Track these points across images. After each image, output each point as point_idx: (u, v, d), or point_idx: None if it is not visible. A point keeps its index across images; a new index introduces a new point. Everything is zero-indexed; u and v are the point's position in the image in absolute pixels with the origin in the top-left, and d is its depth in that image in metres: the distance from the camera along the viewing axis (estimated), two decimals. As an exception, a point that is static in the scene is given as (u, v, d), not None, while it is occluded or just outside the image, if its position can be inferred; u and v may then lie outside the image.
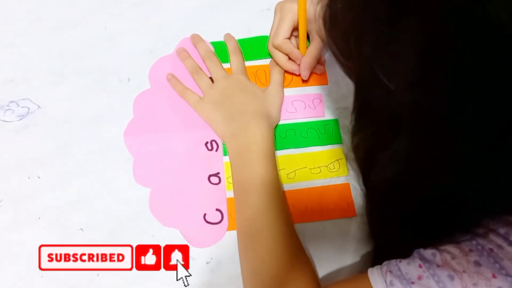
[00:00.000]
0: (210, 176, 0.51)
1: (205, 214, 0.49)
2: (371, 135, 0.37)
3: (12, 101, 0.55)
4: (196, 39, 0.58)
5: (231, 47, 0.57)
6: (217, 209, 0.50)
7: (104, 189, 0.51)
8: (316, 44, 0.53)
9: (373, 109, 0.34)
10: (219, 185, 0.51)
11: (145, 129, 0.53)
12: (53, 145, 0.53)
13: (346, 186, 0.50)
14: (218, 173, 0.51)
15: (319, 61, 0.55)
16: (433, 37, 0.24)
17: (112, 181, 0.51)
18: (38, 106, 0.55)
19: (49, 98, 0.55)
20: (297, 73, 0.55)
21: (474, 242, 0.31)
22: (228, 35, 0.59)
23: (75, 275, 0.47)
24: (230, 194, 0.50)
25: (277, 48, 0.54)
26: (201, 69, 0.56)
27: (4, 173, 0.51)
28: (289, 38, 0.54)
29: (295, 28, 0.54)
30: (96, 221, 0.49)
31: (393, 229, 0.40)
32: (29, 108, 0.54)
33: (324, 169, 0.51)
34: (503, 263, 0.29)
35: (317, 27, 0.53)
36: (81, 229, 0.49)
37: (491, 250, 0.30)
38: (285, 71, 0.56)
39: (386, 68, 0.28)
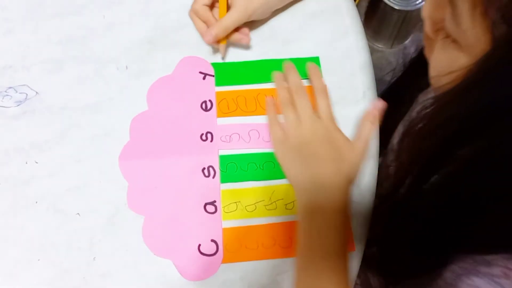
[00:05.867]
0: (206, 204, 0.50)
1: (199, 245, 0.48)
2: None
3: (10, 87, 0.55)
4: (289, 69, 0.54)
5: (319, 87, 0.52)
6: (212, 240, 0.48)
7: (101, 175, 0.51)
8: (232, 14, 0.52)
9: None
10: (215, 214, 0.49)
11: (141, 153, 0.52)
12: (51, 131, 0.53)
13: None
14: (215, 201, 0.50)
15: (238, 30, 0.55)
16: None
17: (109, 167, 0.51)
18: (36, 93, 0.55)
19: (47, 84, 0.55)
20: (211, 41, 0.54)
21: (493, 284, 0.30)
22: (314, 70, 0.54)
23: (71, 259, 0.48)
24: (226, 224, 0.49)
25: (195, 12, 0.53)
26: (291, 105, 0.51)
27: (2, 158, 0.52)
28: (210, 7, 0.53)
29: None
30: (93, 206, 0.50)
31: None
32: (27, 94, 0.55)
33: None
34: None
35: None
36: (78, 214, 0.50)
37: None
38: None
39: None
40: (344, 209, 0.46)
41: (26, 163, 0.52)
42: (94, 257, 0.48)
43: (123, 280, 0.47)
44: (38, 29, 0.59)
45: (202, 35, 0.54)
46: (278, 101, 0.53)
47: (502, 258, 0.31)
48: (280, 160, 0.50)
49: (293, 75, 0.53)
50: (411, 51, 0.79)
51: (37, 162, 0.52)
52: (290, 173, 0.49)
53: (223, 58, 0.57)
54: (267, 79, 0.56)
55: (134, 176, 0.51)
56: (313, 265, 0.44)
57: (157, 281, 0.47)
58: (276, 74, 0.55)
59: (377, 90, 0.56)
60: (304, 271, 0.44)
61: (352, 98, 0.55)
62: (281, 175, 0.51)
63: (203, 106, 0.55)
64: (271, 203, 0.50)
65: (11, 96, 0.54)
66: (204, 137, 0.53)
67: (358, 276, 0.47)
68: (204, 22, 0.54)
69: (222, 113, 0.54)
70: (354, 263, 0.48)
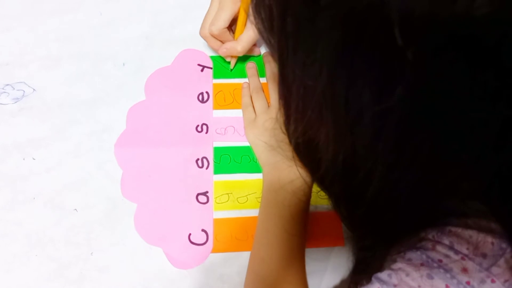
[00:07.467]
0: (198, 194, 0.50)
1: (190, 234, 0.48)
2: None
3: (7, 84, 0.55)
4: (267, 59, 0.57)
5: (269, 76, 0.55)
6: (202, 230, 0.49)
7: (98, 170, 0.51)
8: (248, 34, 0.52)
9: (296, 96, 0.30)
10: (206, 204, 0.50)
11: (137, 142, 0.52)
12: (48, 128, 0.53)
13: (335, 214, 0.48)
14: (207, 192, 0.50)
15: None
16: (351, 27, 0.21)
17: (106, 163, 0.51)
18: (34, 89, 0.55)
19: (44, 81, 0.56)
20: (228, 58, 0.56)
21: (424, 256, 0.32)
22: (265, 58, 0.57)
23: (69, 254, 0.48)
24: (217, 215, 0.49)
25: (215, 37, 0.53)
26: (262, 91, 0.55)
27: (0, 154, 0.52)
28: (227, 28, 0.53)
29: (234, 20, 0.53)
30: (90, 202, 0.50)
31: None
32: (24, 91, 0.55)
33: (314, 195, 0.49)
34: (453, 272, 0.30)
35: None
36: (76, 209, 0.50)
37: (440, 261, 0.31)
38: None
39: (306, 46, 0.24)
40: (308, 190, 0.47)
41: (24, 159, 0.52)
42: (92, 252, 0.48)
43: (120, 275, 0.47)
44: (35, 26, 0.59)
45: (216, 50, 0.54)
46: (250, 88, 0.55)
47: (432, 231, 0.33)
48: (249, 142, 0.52)
49: (271, 65, 0.55)
50: None
51: (34, 159, 0.52)
52: (259, 155, 0.51)
53: (231, 69, 0.57)
54: (264, 74, 0.56)
55: (128, 163, 0.51)
56: (268, 233, 0.45)
57: (154, 276, 0.47)
58: (248, 64, 0.57)
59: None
60: (259, 240, 0.46)
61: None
62: None
63: (200, 97, 0.55)
64: None
65: (8, 93, 0.55)
66: (199, 129, 0.53)
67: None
68: (221, 41, 0.54)
69: (218, 105, 0.54)
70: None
